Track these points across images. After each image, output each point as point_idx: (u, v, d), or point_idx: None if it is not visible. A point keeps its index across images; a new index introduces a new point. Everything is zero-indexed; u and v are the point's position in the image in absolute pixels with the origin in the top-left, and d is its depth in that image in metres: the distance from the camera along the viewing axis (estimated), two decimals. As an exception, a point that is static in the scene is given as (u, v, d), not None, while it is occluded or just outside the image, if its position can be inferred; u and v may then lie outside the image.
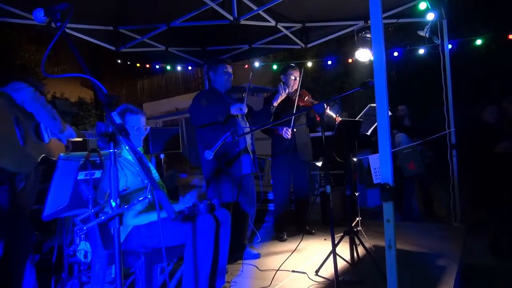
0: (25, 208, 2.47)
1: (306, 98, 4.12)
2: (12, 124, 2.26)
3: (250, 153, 3.53)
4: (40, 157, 2.42)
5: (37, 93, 2.41)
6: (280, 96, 3.65)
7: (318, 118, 2.69)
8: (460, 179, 4.42)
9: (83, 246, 2.94)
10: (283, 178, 4.26)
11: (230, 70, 3.57)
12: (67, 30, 4.00)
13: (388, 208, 1.70)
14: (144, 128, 2.63)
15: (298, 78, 4.19)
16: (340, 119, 3.92)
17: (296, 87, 4.20)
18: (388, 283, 1.72)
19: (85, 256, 2.91)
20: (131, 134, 2.51)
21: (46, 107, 2.41)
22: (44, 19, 1.62)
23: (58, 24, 1.57)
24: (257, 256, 3.57)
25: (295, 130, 4.07)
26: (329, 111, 3.95)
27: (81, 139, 2.82)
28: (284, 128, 4.02)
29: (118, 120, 1.41)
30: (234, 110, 3.30)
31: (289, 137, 4.02)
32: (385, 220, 1.70)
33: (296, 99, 4.01)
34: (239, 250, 3.46)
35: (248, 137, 3.52)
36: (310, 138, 4.42)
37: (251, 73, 3.48)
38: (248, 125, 3.55)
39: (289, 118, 3.92)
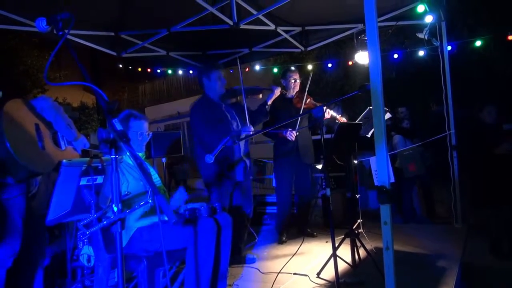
0: (38, 211, 2.55)
1: (308, 100, 4.14)
2: (33, 130, 2.37)
3: (245, 160, 3.55)
4: (56, 162, 2.50)
5: (56, 103, 2.56)
6: (273, 96, 3.69)
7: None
8: (461, 180, 4.43)
9: (86, 250, 2.97)
10: (285, 181, 4.28)
11: (222, 75, 3.55)
12: (69, 37, 4.04)
13: (385, 211, 1.72)
14: (147, 133, 2.66)
15: (298, 80, 4.23)
16: (344, 119, 3.95)
17: (297, 89, 4.23)
18: (386, 285, 1.74)
19: (88, 260, 2.94)
20: (134, 140, 2.56)
21: (63, 116, 2.54)
22: (46, 28, 1.65)
23: (60, 33, 1.60)
24: (254, 260, 3.59)
25: (297, 133, 4.10)
26: (332, 113, 3.98)
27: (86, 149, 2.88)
28: (289, 130, 4.06)
29: (119, 126, 1.44)
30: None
31: (293, 139, 4.06)
32: (382, 222, 1.72)
33: (303, 102, 4.04)
34: (234, 254, 3.39)
35: (242, 144, 3.53)
36: (312, 141, 4.45)
37: (241, 77, 3.48)
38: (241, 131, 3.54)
39: (293, 120, 3.97)
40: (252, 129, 3.46)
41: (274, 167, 4.44)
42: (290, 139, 4.06)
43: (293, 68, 5.17)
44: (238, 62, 3.90)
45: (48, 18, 1.64)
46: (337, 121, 3.99)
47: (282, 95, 3.94)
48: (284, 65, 8.55)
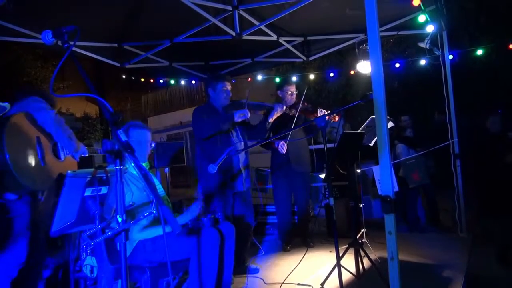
0: (41, 222, 2.56)
1: (301, 106, 4.13)
2: (35, 144, 2.38)
3: (243, 170, 3.54)
4: (56, 176, 2.51)
5: (57, 115, 2.57)
6: (276, 113, 3.68)
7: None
8: (466, 189, 4.40)
9: (89, 261, 2.96)
10: (283, 191, 4.29)
11: (229, 87, 3.58)
12: (73, 48, 4.08)
13: (389, 220, 1.71)
14: (149, 143, 2.66)
15: (295, 93, 4.23)
16: (337, 117, 3.93)
17: (293, 102, 4.23)
18: (392, 295, 1.73)
19: (91, 271, 2.92)
20: (137, 151, 2.56)
21: (64, 128, 2.56)
22: (52, 40, 1.67)
23: (66, 45, 1.62)
24: (257, 270, 3.57)
25: (287, 143, 4.10)
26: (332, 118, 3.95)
27: (87, 155, 2.89)
28: (281, 143, 4.06)
29: (124, 137, 1.45)
30: (237, 117, 3.34)
31: (285, 152, 4.07)
32: (387, 232, 1.71)
33: (297, 110, 4.04)
34: (238, 265, 3.36)
35: (241, 155, 3.53)
36: (308, 149, 4.44)
37: (247, 91, 3.49)
38: (241, 142, 3.56)
39: (293, 130, 3.96)
40: (241, 145, 3.47)
41: (271, 178, 4.45)
42: (281, 152, 4.08)
43: (294, 78, 5.19)
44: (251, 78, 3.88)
45: (53, 31, 1.66)
46: (331, 120, 3.96)
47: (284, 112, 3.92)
48: (286, 74, 8.59)
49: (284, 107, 3.77)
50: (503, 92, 6.87)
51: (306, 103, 4.15)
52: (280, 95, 4.30)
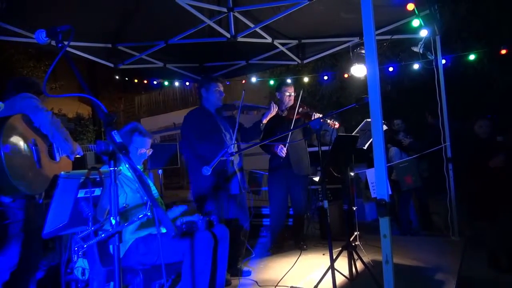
0: (40, 225, 2.55)
1: (301, 110, 4.13)
2: (30, 146, 2.36)
3: (238, 172, 3.51)
4: (51, 178, 2.50)
5: (54, 117, 2.55)
6: (269, 114, 3.64)
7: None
8: (458, 192, 4.43)
9: (81, 263, 2.93)
10: (279, 193, 4.28)
11: (221, 88, 3.57)
12: (67, 48, 4.04)
13: (384, 223, 1.72)
14: (147, 151, 2.65)
15: (293, 95, 4.23)
16: (336, 123, 3.94)
17: (291, 104, 4.23)
18: (386, 298, 1.73)
19: (83, 273, 2.89)
20: (133, 154, 2.55)
21: (60, 130, 2.54)
22: (46, 40, 1.65)
23: (60, 45, 1.61)
24: (249, 273, 3.56)
25: (287, 145, 4.10)
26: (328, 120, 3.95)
27: (79, 156, 2.87)
28: (279, 146, 4.05)
29: (119, 138, 1.43)
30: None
31: (284, 155, 4.06)
32: (382, 235, 1.71)
33: (295, 113, 4.04)
34: (231, 266, 3.35)
35: (235, 157, 3.49)
36: (307, 152, 4.44)
37: (243, 92, 3.46)
38: (234, 144, 3.49)
39: (288, 132, 3.96)
40: (235, 147, 3.43)
41: (268, 180, 4.44)
42: (280, 155, 4.07)
43: (289, 81, 5.18)
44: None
45: (48, 30, 1.64)
46: (331, 127, 3.96)
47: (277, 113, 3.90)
48: (280, 77, 8.59)
49: (277, 108, 3.72)
50: (494, 97, 6.94)
51: (306, 107, 4.16)
52: (278, 97, 4.30)
